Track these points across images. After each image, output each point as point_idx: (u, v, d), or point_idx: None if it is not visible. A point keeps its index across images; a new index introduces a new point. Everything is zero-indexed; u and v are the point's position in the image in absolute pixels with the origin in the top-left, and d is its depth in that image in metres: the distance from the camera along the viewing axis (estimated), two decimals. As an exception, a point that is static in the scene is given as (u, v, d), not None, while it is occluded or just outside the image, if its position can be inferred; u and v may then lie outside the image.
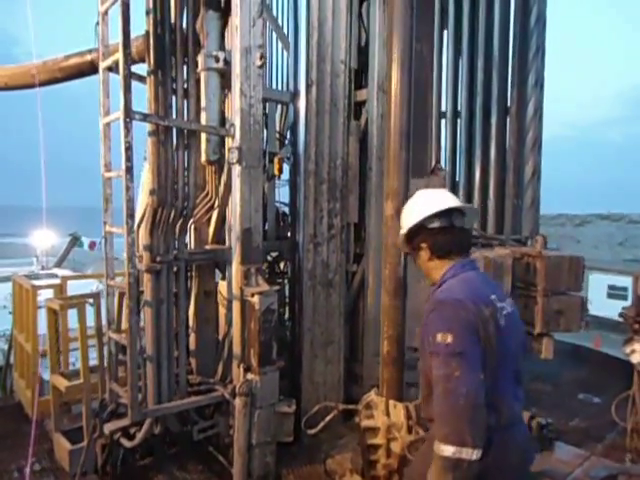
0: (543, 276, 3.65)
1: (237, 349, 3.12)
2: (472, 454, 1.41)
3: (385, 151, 3.01)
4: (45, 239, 12.87)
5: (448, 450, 1.43)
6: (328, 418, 2.92)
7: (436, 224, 1.74)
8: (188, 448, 3.42)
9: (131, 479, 3.21)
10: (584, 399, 4.45)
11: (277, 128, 4.21)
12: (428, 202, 1.77)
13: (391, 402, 2.82)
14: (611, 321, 6.74)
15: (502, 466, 1.59)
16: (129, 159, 2.69)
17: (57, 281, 4.33)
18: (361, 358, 3.99)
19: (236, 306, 3.14)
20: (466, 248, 1.83)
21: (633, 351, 3.31)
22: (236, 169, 3.10)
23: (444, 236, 1.74)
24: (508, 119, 6.39)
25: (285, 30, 3.95)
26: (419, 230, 1.77)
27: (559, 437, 3.76)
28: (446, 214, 1.74)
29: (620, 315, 3.55)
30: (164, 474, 3.26)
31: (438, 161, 4.46)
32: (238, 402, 2.93)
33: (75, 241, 12.61)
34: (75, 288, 4.41)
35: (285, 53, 4.02)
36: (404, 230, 1.84)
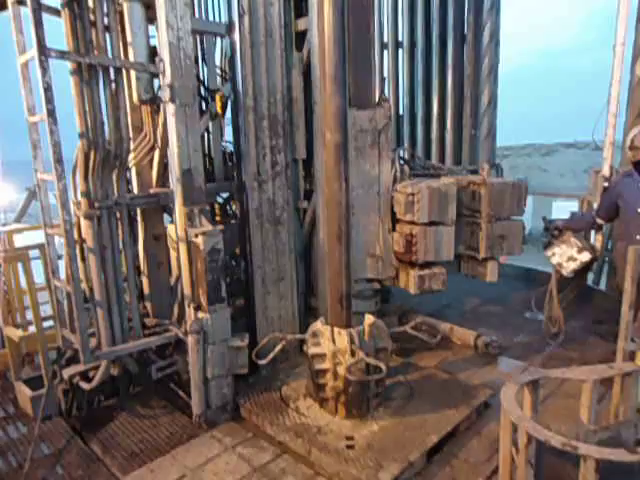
0: (487, 202, 3.74)
1: (187, 290, 3.17)
2: None
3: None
4: (1, 194, 12.36)
5: None
6: (277, 349, 3.04)
7: None
8: (151, 387, 3.54)
9: (96, 418, 3.33)
10: (530, 317, 4.72)
11: (218, 63, 4.04)
12: None
13: (335, 329, 2.95)
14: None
15: None
16: (50, 101, 2.57)
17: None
18: (316, 292, 4.10)
19: (182, 248, 3.14)
20: None
21: (553, 254, 3.69)
22: (170, 108, 2.99)
23: None
24: (465, 47, 6.27)
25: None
26: None
27: (503, 352, 4.03)
28: None
29: (543, 220, 3.82)
30: (128, 412, 3.39)
31: (382, 92, 4.37)
32: (190, 340, 3.02)
33: (33, 195, 12.14)
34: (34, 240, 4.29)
35: (219, -20, 3.77)
36: None
